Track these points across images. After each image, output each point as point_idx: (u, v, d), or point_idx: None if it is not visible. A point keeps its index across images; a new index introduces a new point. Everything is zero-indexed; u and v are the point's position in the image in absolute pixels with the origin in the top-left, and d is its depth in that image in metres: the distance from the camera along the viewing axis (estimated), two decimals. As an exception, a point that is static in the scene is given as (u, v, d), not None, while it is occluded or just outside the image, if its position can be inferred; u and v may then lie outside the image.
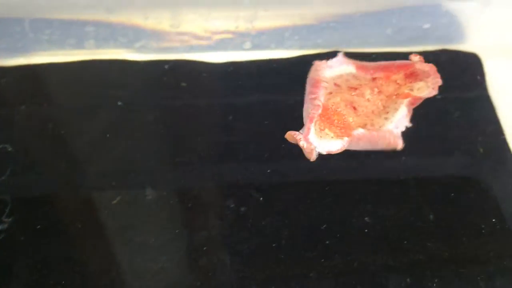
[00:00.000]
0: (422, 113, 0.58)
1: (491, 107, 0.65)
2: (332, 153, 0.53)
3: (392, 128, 0.55)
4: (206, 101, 0.66)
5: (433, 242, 0.53)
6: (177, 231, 0.55)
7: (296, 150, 0.60)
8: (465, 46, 0.71)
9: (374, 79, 0.58)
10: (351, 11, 0.70)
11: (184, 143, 0.61)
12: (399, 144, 0.55)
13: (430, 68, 0.56)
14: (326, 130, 0.55)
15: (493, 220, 0.55)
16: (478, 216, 0.55)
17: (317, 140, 0.53)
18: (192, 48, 0.70)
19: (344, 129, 0.55)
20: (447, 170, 0.59)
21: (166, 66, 0.69)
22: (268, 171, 0.60)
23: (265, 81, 0.68)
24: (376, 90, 0.57)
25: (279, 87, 0.67)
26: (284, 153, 0.61)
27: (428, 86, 0.56)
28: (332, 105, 0.55)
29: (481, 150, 0.60)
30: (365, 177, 0.59)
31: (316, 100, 0.54)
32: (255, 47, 0.71)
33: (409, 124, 0.56)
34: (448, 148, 0.61)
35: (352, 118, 0.55)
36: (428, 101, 0.57)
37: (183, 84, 0.67)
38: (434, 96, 0.58)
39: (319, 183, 0.59)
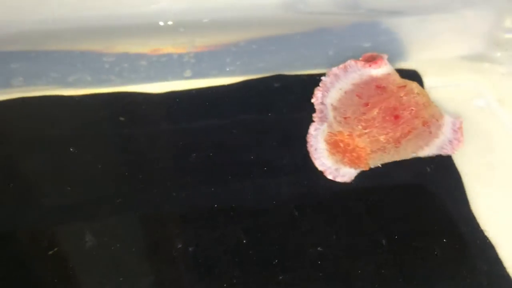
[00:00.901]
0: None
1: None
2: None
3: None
4: (147, 135, 0.63)
5: (387, 268, 0.52)
6: (121, 279, 0.52)
7: (244, 182, 0.59)
8: (406, 63, 0.71)
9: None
10: (290, 32, 0.69)
11: (125, 183, 0.58)
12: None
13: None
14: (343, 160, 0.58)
15: (444, 240, 0.54)
16: (431, 238, 0.55)
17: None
18: (129, 80, 0.67)
19: (358, 159, 0.58)
20: (397, 192, 0.59)
21: (103, 100, 0.66)
22: (216, 205, 0.57)
23: (208, 109, 0.66)
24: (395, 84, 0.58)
25: (222, 114, 0.66)
26: (231, 185, 0.59)
27: None
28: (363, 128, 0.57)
29: (428, 169, 0.60)
30: (315, 206, 0.58)
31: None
32: (196, 75, 0.68)
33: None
34: (396, 170, 0.60)
35: (386, 135, 0.57)
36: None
37: (122, 118, 0.64)
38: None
39: (268, 215, 0.57)
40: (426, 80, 0.69)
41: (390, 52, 0.71)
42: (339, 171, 0.59)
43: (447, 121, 0.60)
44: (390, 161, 0.59)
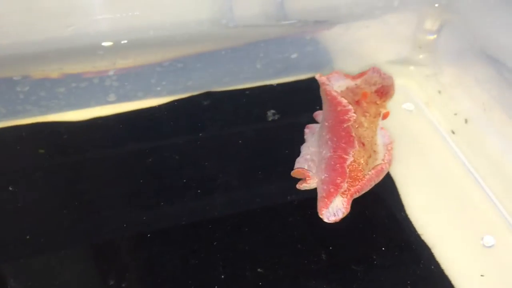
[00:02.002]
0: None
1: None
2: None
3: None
4: (71, 166, 0.59)
5: (328, 283, 0.51)
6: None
7: (178, 206, 0.57)
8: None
9: (357, 102, 0.58)
10: (216, 48, 0.68)
11: (49, 221, 0.54)
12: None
13: (389, 78, 0.59)
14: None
15: (383, 248, 0.54)
16: (370, 247, 0.54)
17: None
18: (48, 109, 0.63)
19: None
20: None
21: (22, 133, 0.62)
22: (148, 234, 0.54)
23: (136, 133, 0.64)
24: (367, 114, 0.58)
25: (151, 137, 0.63)
26: (164, 210, 0.56)
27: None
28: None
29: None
30: (253, 225, 0.56)
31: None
32: (120, 98, 0.65)
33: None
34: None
35: (363, 159, 0.55)
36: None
37: (41, 150, 0.60)
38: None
39: (204, 238, 0.55)
40: (355, 87, 0.70)
41: (317, 62, 0.72)
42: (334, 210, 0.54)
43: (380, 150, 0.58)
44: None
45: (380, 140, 0.57)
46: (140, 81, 0.66)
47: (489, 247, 0.55)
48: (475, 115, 0.64)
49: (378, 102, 0.59)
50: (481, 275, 0.53)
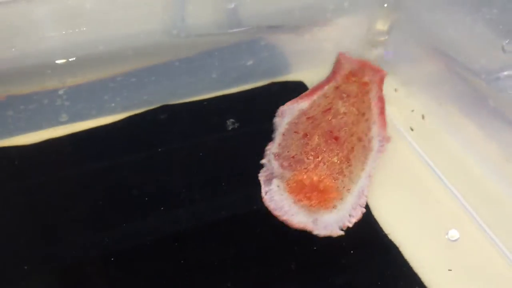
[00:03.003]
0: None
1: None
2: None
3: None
4: (23, 192, 0.56)
5: (300, 293, 0.51)
6: None
7: (139, 224, 0.55)
8: (291, 76, 0.71)
9: (336, 88, 0.61)
10: (170, 60, 0.66)
11: (2, 252, 0.51)
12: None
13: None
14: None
15: (352, 252, 0.54)
16: (338, 253, 0.54)
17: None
18: (-4, 134, 0.60)
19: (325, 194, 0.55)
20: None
21: (-33, 161, 0.59)
22: (112, 258, 0.52)
23: (92, 153, 0.61)
24: (344, 95, 0.59)
25: (108, 156, 0.61)
26: (126, 230, 0.55)
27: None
28: (312, 161, 0.55)
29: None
30: (219, 238, 0.55)
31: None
32: (73, 117, 0.63)
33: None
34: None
35: (337, 156, 0.55)
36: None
37: (-10, 179, 0.57)
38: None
39: (170, 255, 0.53)
40: (313, 91, 0.70)
41: (274, 67, 0.71)
42: (317, 222, 0.54)
43: (374, 134, 0.61)
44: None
45: (375, 128, 0.59)
46: (93, 98, 0.64)
47: (454, 241, 0.56)
48: (432, 111, 0.65)
49: (354, 80, 0.61)
50: (449, 270, 0.53)
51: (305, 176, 0.56)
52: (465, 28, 0.61)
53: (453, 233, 0.56)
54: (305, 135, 0.59)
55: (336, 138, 0.57)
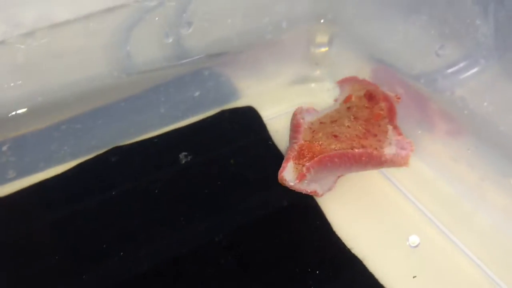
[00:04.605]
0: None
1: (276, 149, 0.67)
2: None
3: (396, 148, 0.62)
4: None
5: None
6: None
7: (103, 278, 0.54)
8: (240, 101, 0.71)
9: (348, 108, 0.67)
10: (115, 100, 0.66)
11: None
12: (407, 163, 0.62)
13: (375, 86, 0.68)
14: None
15: (317, 272, 0.53)
16: (305, 274, 0.53)
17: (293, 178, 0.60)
18: None
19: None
20: (262, 237, 0.57)
21: None
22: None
23: (44, 207, 0.60)
24: (352, 117, 0.65)
25: (60, 207, 0.60)
26: (86, 281, 0.53)
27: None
28: (315, 141, 0.62)
29: (285, 203, 0.60)
30: (185, 271, 0.54)
31: (294, 144, 0.62)
32: (21, 173, 0.61)
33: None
34: (253, 212, 0.60)
35: (335, 145, 0.61)
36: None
37: None
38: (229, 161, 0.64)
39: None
40: (263, 113, 0.70)
41: (221, 95, 0.72)
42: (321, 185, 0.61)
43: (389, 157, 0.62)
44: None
45: (390, 147, 0.62)
46: (39, 150, 0.62)
47: (415, 246, 0.56)
48: (379, 119, 0.66)
49: (367, 106, 0.66)
50: (414, 276, 0.54)
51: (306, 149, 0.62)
52: (399, 36, 0.63)
53: (414, 239, 0.56)
54: (314, 131, 0.64)
55: (335, 136, 0.62)
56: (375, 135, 0.63)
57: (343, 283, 0.53)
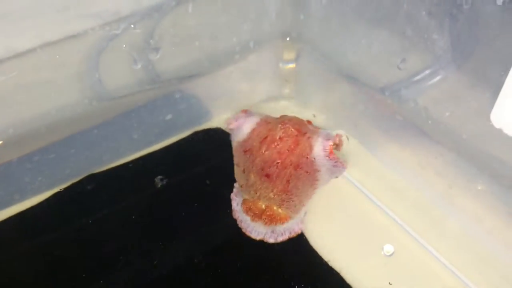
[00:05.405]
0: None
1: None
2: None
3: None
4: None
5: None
6: None
7: None
8: (212, 123, 0.72)
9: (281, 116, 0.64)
10: (86, 128, 0.66)
11: None
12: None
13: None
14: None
15: (292, 284, 0.55)
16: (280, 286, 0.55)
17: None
18: None
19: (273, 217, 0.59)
20: (238, 258, 0.58)
21: None
22: None
23: (22, 236, 0.60)
24: (286, 119, 0.61)
25: (37, 237, 0.60)
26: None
27: None
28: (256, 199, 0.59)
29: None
30: None
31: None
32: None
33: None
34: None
35: (272, 192, 0.58)
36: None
37: None
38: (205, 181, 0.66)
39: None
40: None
41: (193, 117, 0.72)
42: (275, 232, 0.59)
43: (317, 153, 0.60)
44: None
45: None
46: (13, 182, 0.62)
47: (390, 255, 0.57)
48: (350, 133, 0.68)
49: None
50: (389, 283, 0.55)
51: (252, 205, 0.60)
52: (362, 51, 0.65)
53: (388, 248, 0.58)
54: (243, 171, 0.61)
55: (268, 176, 0.58)
56: (305, 133, 0.60)
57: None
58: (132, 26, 0.63)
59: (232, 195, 0.63)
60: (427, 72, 0.59)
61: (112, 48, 0.63)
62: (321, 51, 0.72)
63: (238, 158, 0.62)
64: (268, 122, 0.62)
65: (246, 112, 0.64)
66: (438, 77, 0.58)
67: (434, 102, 0.59)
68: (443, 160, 0.60)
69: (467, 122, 0.56)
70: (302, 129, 0.61)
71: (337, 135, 0.61)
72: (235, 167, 0.63)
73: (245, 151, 0.61)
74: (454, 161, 0.59)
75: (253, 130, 0.62)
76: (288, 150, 0.59)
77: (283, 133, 0.60)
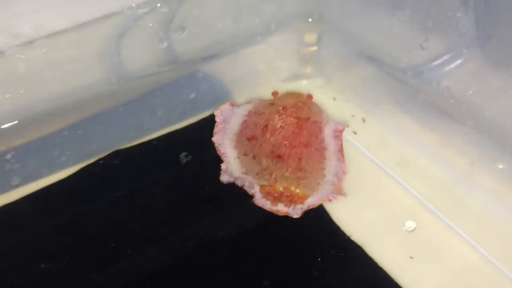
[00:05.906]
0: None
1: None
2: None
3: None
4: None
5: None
6: None
7: (112, 278, 0.55)
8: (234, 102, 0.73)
9: (271, 104, 0.64)
10: (113, 106, 0.67)
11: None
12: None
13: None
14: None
15: (319, 259, 0.56)
16: (306, 263, 0.56)
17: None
18: None
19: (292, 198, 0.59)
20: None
21: None
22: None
23: (48, 211, 0.61)
24: (280, 108, 0.62)
25: (65, 211, 0.61)
26: (96, 282, 0.55)
27: None
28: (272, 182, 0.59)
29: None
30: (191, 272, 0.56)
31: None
32: (25, 180, 0.62)
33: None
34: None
35: (287, 171, 0.59)
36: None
37: None
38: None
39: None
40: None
41: (216, 96, 0.73)
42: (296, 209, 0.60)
43: (327, 133, 0.63)
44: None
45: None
46: (42, 157, 0.64)
47: (412, 231, 0.59)
48: (371, 113, 0.69)
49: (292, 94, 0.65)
50: (410, 257, 0.56)
51: (270, 189, 0.60)
52: (384, 31, 0.65)
53: (410, 224, 0.59)
54: (254, 157, 0.62)
55: (279, 156, 0.60)
56: (308, 118, 0.62)
57: (345, 269, 0.56)
58: (159, 5, 0.64)
59: (246, 184, 0.62)
60: (450, 52, 0.59)
61: (139, 28, 0.65)
62: (342, 32, 0.73)
63: (243, 147, 0.64)
64: (260, 113, 0.64)
65: (233, 105, 0.67)
66: (461, 57, 0.59)
67: (457, 81, 0.60)
68: (464, 139, 0.61)
69: (490, 100, 0.57)
70: (301, 115, 0.63)
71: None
72: (243, 159, 0.63)
73: (249, 139, 0.63)
74: (476, 140, 0.60)
75: (245, 121, 0.65)
76: (292, 134, 0.61)
77: (282, 122, 0.62)
